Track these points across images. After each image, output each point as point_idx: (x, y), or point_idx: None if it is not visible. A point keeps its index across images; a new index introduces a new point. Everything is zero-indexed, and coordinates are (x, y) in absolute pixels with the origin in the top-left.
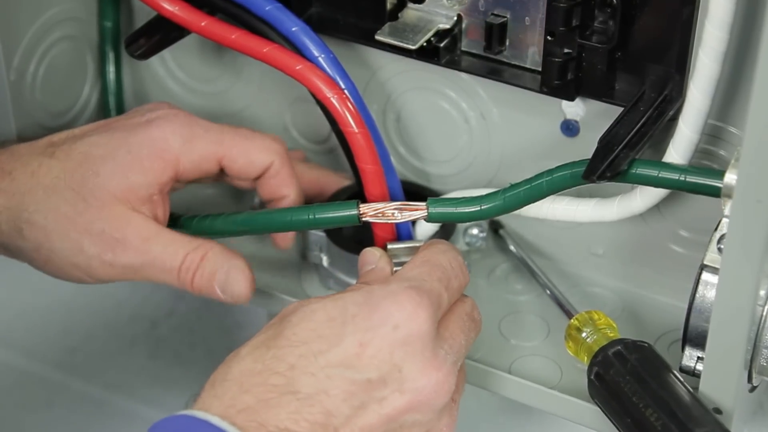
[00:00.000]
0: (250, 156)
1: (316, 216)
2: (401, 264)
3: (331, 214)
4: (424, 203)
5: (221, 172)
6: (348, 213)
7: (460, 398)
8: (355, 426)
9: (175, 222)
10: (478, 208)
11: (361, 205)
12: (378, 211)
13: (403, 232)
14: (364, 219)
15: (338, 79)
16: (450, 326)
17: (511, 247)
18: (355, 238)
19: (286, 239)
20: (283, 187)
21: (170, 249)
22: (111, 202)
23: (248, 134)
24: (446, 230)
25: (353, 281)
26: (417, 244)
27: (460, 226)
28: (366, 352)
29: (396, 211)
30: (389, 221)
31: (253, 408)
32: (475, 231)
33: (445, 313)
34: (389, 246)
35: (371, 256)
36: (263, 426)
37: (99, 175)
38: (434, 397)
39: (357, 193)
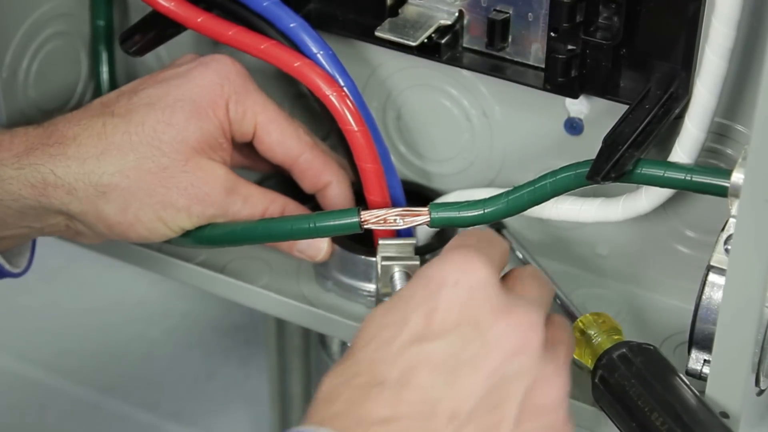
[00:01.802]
0: (284, 136)
1: (317, 224)
2: (391, 260)
3: (332, 222)
4: (426, 208)
5: (245, 147)
6: (349, 221)
7: (569, 355)
8: (455, 394)
9: None
10: (482, 212)
11: (362, 212)
12: (380, 218)
13: (402, 230)
14: (365, 226)
15: (337, 76)
16: (513, 284)
17: (514, 248)
18: (352, 235)
19: (316, 248)
20: (323, 175)
21: (250, 202)
22: (191, 154)
23: (289, 116)
24: (446, 231)
25: (351, 281)
26: (410, 242)
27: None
28: (435, 319)
29: (398, 218)
30: (391, 228)
31: (344, 412)
32: None
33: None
34: (380, 242)
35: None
36: (362, 422)
37: (172, 126)
38: (521, 340)
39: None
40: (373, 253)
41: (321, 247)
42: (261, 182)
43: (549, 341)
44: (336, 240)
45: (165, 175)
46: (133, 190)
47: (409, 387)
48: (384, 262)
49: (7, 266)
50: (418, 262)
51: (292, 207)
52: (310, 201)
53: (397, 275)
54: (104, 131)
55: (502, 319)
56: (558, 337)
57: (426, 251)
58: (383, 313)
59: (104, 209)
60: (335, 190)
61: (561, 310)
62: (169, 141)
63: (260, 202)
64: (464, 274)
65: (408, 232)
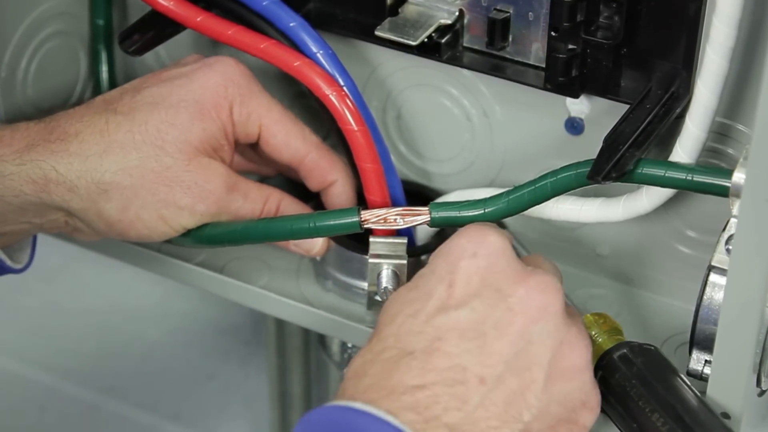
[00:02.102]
0: (290, 137)
1: (317, 224)
2: (380, 257)
3: (332, 222)
4: (426, 208)
5: (249, 150)
6: (349, 220)
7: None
8: (484, 359)
9: None
10: (482, 212)
11: (362, 212)
12: (380, 218)
13: (402, 229)
14: (365, 226)
15: (337, 75)
16: (524, 260)
17: (515, 249)
18: (353, 234)
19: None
20: (329, 174)
21: (250, 198)
22: (194, 154)
23: (294, 117)
24: (446, 231)
25: (350, 280)
26: (401, 241)
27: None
28: (457, 289)
29: (398, 217)
30: (391, 227)
31: (374, 385)
32: None
33: None
34: (372, 240)
35: None
36: (393, 392)
37: (176, 126)
38: (544, 302)
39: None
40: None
41: (316, 241)
42: (261, 182)
43: (568, 310)
44: (336, 239)
45: (168, 174)
46: (135, 189)
47: (438, 354)
48: (372, 260)
49: (8, 262)
50: (405, 262)
51: (288, 200)
52: (311, 200)
53: (384, 273)
54: (107, 129)
55: (523, 284)
56: (573, 311)
57: (425, 251)
58: (406, 292)
59: (105, 207)
60: (340, 188)
61: None
62: (172, 141)
63: (259, 197)
64: (481, 245)
65: (407, 232)
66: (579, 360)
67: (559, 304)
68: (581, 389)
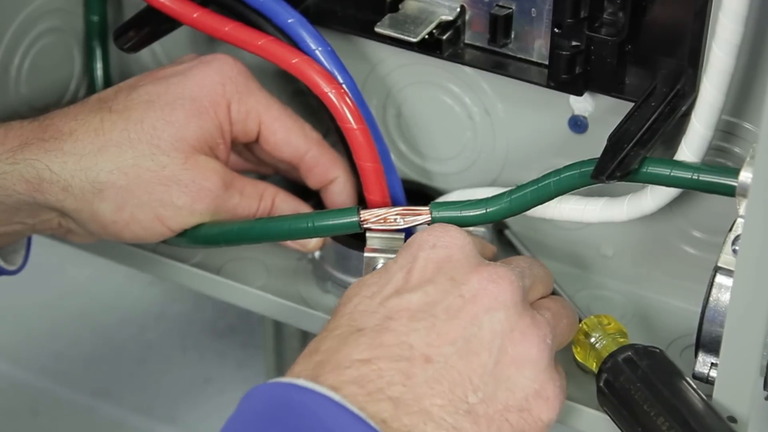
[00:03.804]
0: (290, 135)
1: (316, 224)
2: (376, 251)
3: (331, 222)
4: (426, 207)
5: (249, 148)
6: (348, 220)
7: (556, 320)
8: (431, 340)
9: None
10: (484, 212)
11: (362, 212)
12: (380, 217)
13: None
14: (365, 226)
15: (336, 73)
16: (499, 260)
17: (517, 249)
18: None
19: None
20: (330, 171)
21: (246, 194)
22: (191, 152)
23: (293, 114)
24: None
25: (350, 279)
26: (398, 236)
27: None
28: (413, 275)
29: (398, 217)
30: (392, 227)
31: (324, 361)
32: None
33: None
34: (368, 234)
35: None
36: (338, 367)
37: (172, 124)
38: (496, 292)
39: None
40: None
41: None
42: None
43: (535, 306)
44: (336, 237)
45: (164, 173)
46: (130, 189)
47: (387, 332)
48: (368, 254)
49: (2, 264)
50: None
51: (283, 195)
52: (311, 199)
53: (380, 265)
54: (102, 127)
55: (476, 274)
56: (548, 305)
57: None
58: (368, 278)
59: (100, 207)
60: (341, 185)
61: None
62: (168, 139)
63: (254, 193)
64: (442, 239)
65: (408, 233)
66: (531, 349)
67: (511, 294)
68: (534, 379)
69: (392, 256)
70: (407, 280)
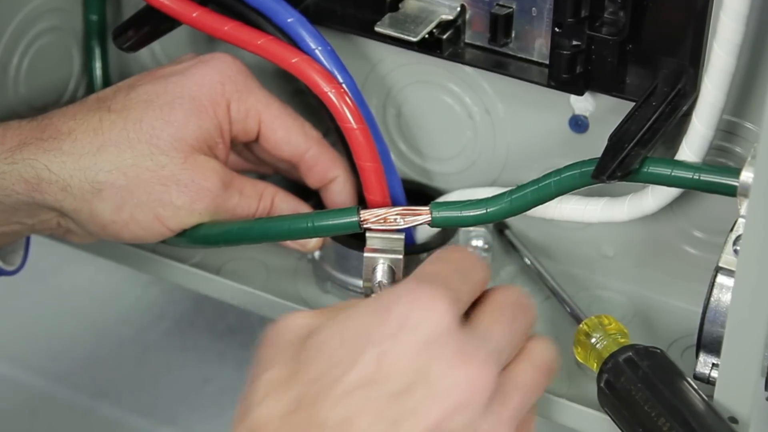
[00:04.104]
0: (290, 133)
1: (315, 224)
2: (376, 251)
3: (330, 222)
4: (426, 207)
5: (249, 148)
6: (348, 220)
7: (530, 399)
8: None
9: None
10: (484, 212)
11: (362, 212)
12: (380, 218)
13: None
14: (365, 226)
15: (336, 72)
16: (481, 318)
17: (518, 249)
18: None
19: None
20: (330, 170)
21: (245, 194)
22: (190, 152)
23: (293, 112)
24: (446, 231)
25: (350, 279)
26: (398, 236)
27: (463, 235)
28: (386, 362)
29: (398, 217)
30: (392, 227)
31: None
32: (479, 243)
33: (472, 306)
34: (368, 234)
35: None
36: None
37: (171, 123)
38: (471, 395)
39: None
40: None
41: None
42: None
43: (501, 389)
44: (336, 237)
45: (164, 173)
46: (130, 189)
47: None
48: (368, 254)
49: (0, 264)
50: (401, 257)
51: (282, 195)
52: (311, 198)
53: (380, 268)
54: (101, 127)
55: (454, 371)
56: (520, 380)
57: (425, 249)
58: (338, 344)
59: (99, 207)
60: (341, 185)
61: (565, 313)
62: (167, 139)
63: (254, 192)
64: (426, 318)
65: (408, 231)
66: None
67: (484, 396)
68: None
69: (392, 256)
70: (378, 369)
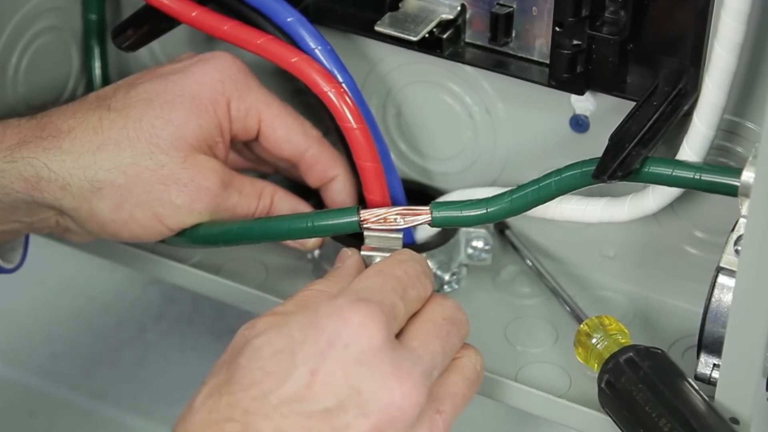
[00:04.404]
0: (290, 132)
1: (315, 223)
2: (374, 250)
3: (330, 222)
4: (426, 207)
5: (249, 147)
6: (348, 220)
7: (459, 408)
8: None
9: None
10: (484, 212)
11: (361, 212)
12: (380, 217)
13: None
14: (365, 226)
15: (336, 72)
16: (416, 334)
17: (518, 249)
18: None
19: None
20: (330, 169)
21: (245, 193)
22: (190, 151)
23: (293, 111)
24: (447, 231)
25: None
26: (396, 235)
27: (463, 235)
28: (318, 379)
29: (398, 217)
30: (391, 227)
31: None
32: (479, 244)
33: (408, 323)
34: (366, 233)
35: (344, 253)
36: None
37: (172, 122)
38: (402, 413)
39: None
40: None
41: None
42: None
43: (433, 401)
44: (336, 237)
45: (163, 172)
46: (129, 187)
47: None
48: (366, 252)
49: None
50: None
51: (281, 193)
52: (311, 198)
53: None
54: (100, 126)
55: (389, 391)
56: (451, 390)
57: (425, 249)
58: (271, 354)
59: (98, 206)
60: (341, 183)
61: (566, 313)
62: (167, 138)
63: (253, 192)
64: (357, 337)
65: (408, 231)
66: None
67: (413, 414)
68: None
69: (379, 254)
70: (309, 385)
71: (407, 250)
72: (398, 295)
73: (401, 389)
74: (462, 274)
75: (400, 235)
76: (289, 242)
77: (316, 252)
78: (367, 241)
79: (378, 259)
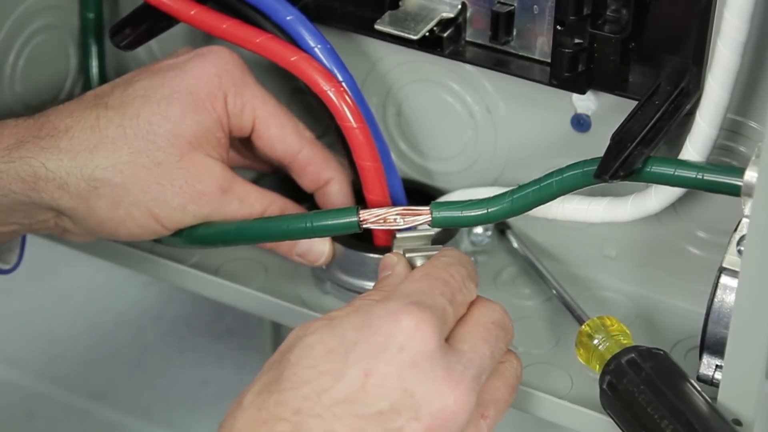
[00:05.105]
0: (284, 131)
1: (314, 224)
2: (413, 251)
3: (330, 222)
4: (427, 207)
5: (242, 145)
6: (348, 220)
7: (501, 413)
8: None
9: None
10: (485, 212)
11: (361, 211)
12: (379, 217)
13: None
14: (364, 226)
15: (335, 71)
16: (467, 338)
17: (519, 249)
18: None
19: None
20: (323, 172)
21: (247, 202)
22: (187, 149)
23: (288, 111)
24: (447, 231)
25: (349, 280)
26: (428, 233)
27: (463, 236)
28: (371, 381)
29: (398, 217)
30: (391, 227)
31: None
32: (480, 230)
33: (457, 325)
34: (397, 236)
35: (389, 260)
36: None
37: (169, 119)
38: (454, 418)
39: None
40: (373, 250)
41: (322, 251)
42: (256, 181)
43: (481, 406)
44: (336, 238)
45: (159, 170)
46: (126, 186)
47: None
48: (408, 255)
49: None
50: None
51: (291, 209)
52: (306, 201)
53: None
54: (98, 124)
55: (442, 396)
56: (495, 396)
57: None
58: (323, 352)
59: (95, 205)
60: (336, 187)
61: (567, 314)
62: (164, 134)
63: (258, 203)
64: (411, 340)
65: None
66: None
67: (463, 418)
68: None
69: (429, 254)
70: (363, 386)
71: (453, 251)
72: (447, 299)
73: (454, 394)
74: None
75: (431, 233)
76: (299, 259)
77: None
78: (398, 243)
79: (420, 261)
